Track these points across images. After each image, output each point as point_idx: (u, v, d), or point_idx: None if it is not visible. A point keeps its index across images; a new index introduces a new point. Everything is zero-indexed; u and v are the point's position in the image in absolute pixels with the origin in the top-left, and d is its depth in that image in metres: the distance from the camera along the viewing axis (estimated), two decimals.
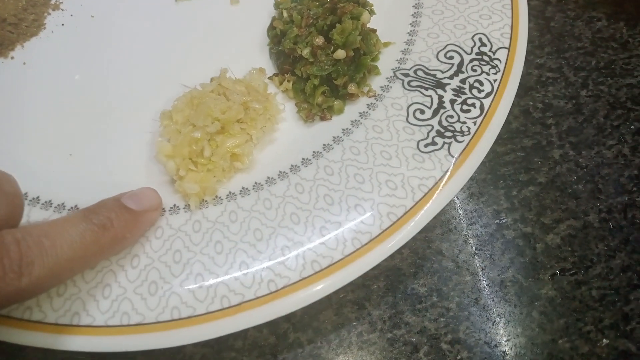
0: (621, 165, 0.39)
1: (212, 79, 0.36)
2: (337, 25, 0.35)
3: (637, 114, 0.41)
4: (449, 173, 0.32)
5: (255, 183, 0.33)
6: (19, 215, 0.27)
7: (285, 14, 0.38)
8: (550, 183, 0.38)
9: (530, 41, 0.44)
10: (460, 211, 0.38)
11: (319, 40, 0.35)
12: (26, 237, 0.24)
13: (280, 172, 0.34)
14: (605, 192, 0.38)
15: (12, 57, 0.39)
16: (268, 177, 0.34)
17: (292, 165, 0.34)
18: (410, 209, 0.31)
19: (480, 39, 0.37)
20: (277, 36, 0.38)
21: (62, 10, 0.42)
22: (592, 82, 0.42)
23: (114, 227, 0.27)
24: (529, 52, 0.43)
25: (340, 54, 0.35)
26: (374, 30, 0.38)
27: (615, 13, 0.46)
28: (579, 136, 0.40)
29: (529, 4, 0.43)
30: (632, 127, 0.40)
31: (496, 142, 0.34)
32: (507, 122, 0.38)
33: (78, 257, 0.26)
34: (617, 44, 0.44)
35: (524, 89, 0.42)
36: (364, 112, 0.36)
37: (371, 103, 0.36)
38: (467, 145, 0.33)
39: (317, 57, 0.35)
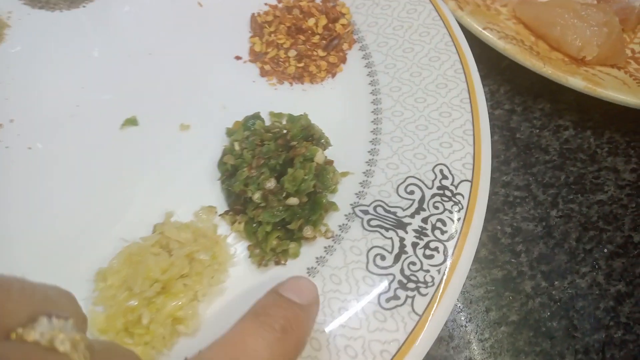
0: (596, 296, 0.37)
1: (155, 226, 0.34)
2: (289, 169, 0.33)
3: (609, 236, 0.39)
4: (412, 334, 0.30)
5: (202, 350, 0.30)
6: None
7: (237, 146, 0.36)
8: (523, 321, 0.36)
9: (495, 157, 0.43)
10: None
11: (271, 184, 0.33)
12: None
13: None
14: (581, 328, 0.36)
15: None
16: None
17: None
18: None
19: (441, 171, 0.36)
20: (228, 171, 0.36)
21: None
22: (562, 200, 0.41)
23: (294, 329, 0.23)
24: (494, 169, 0.42)
25: (293, 201, 0.32)
26: (331, 162, 0.36)
27: (582, 120, 0.45)
28: (551, 264, 0.38)
29: (493, 114, 0.42)
30: (605, 250, 0.39)
31: None
32: (475, 250, 0.36)
33: None
34: (586, 156, 0.43)
35: (491, 212, 0.40)
36: (321, 257, 0.33)
37: (329, 246, 0.34)
38: (431, 299, 0.31)
39: (269, 201, 0.33)
